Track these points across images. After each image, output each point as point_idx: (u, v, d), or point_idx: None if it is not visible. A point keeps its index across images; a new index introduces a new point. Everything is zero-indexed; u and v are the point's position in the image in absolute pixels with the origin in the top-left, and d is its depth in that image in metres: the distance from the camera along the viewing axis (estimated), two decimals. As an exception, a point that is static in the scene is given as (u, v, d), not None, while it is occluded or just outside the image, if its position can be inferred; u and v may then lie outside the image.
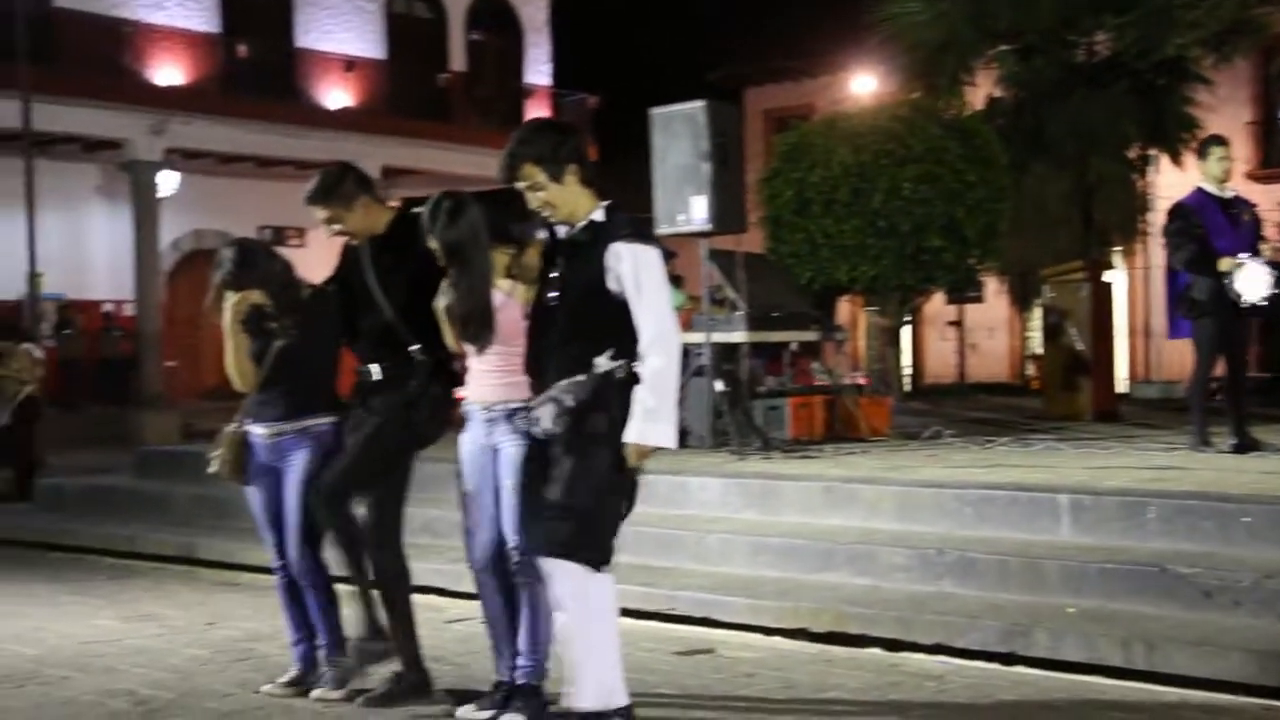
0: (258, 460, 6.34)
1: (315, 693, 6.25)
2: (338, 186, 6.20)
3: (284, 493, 6.27)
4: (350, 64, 29.17)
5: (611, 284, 5.24)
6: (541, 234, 5.65)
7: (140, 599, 9.24)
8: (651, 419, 5.16)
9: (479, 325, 5.63)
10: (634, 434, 5.17)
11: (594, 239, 5.32)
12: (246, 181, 28.63)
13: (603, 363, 5.22)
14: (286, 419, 6.23)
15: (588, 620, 5.26)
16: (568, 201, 5.36)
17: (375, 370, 6.14)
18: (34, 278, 23.50)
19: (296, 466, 6.24)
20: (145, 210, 25.38)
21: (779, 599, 7.59)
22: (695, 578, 8.20)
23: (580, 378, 5.21)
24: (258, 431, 6.29)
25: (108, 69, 25.35)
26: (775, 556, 8.26)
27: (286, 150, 27.38)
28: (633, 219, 5.47)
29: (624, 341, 5.23)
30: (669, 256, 14.92)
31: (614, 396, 5.21)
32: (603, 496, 5.27)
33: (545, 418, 5.25)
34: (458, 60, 32.11)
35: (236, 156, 27.62)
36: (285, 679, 6.40)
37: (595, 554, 5.24)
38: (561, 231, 5.46)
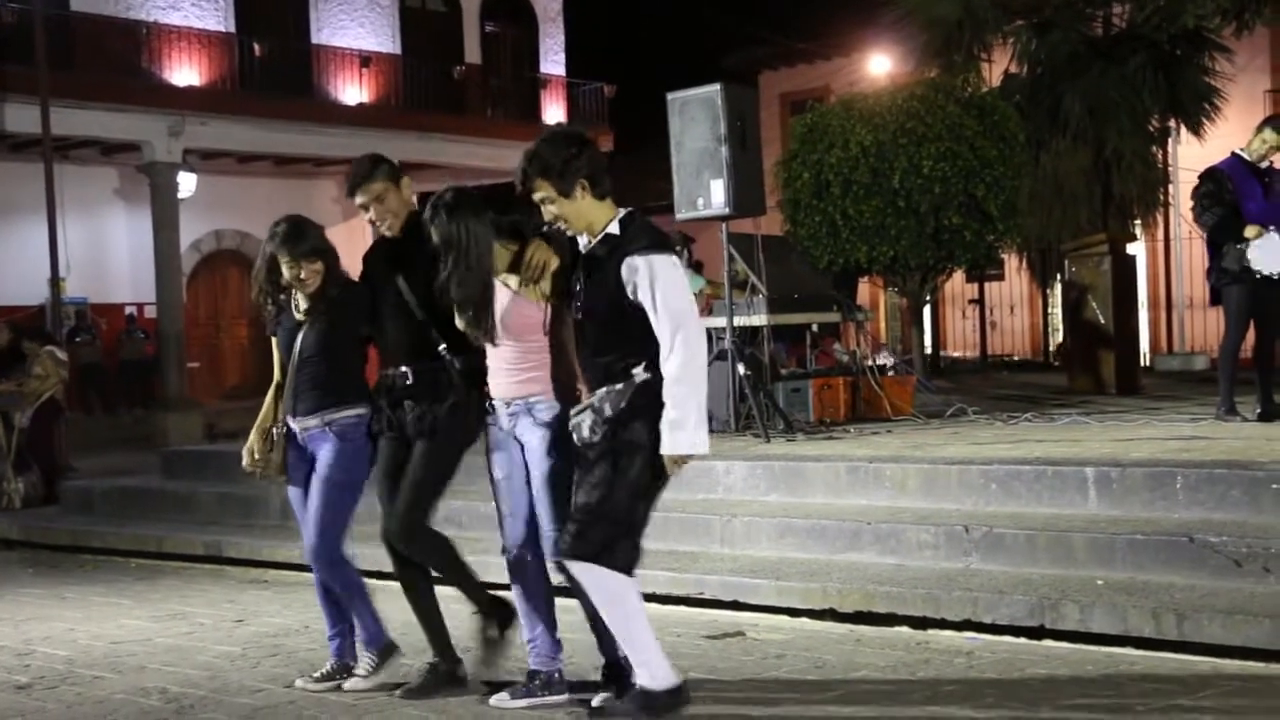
0: (295, 468, 6.34)
1: (348, 684, 6.27)
2: (381, 165, 6.20)
3: (310, 486, 6.28)
4: (366, 59, 29.19)
5: (631, 296, 5.26)
6: (538, 229, 5.67)
7: (169, 598, 9.27)
8: (677, 428, 5.21)
9: (478, 315, 5.63)
10: (665, 446, 5.23)
11: (610, 251, 5.34)
12: (265, 180, 28.73)
13: (639, 373, 5.27)
14: (314, 412, 6.24)
15: (625, 619, 5.36)
16: (581, 215, 5.40)
17: (407, 373, 6.11)
18: (56, 282, 23.57)
19: (321, 461, 6.25)
20: (165, 212, 25.40)
21: (806, 580, 7.58)
22: (723, 561, 8.20)
23: (618, 386, 5.26)
24: (293, 425, 6.31)
25: (125, 71, 25.38)
26: (802, 538, 8.26)
27: (303, 148, 27.45)
28: (647, 228, 5.46)
29: (655, 351, 5.26)
30: (687, 242, 14.92)
31: (651, 405, 5.24)
32: (636, 502, 5.32)
33: (584, 426, 5.31)
34: (472, 53, 32.08)
35: (254, 155, 27.70)
36: (319, 673, 6.41)
37: (625, 557, 5.31)
38: (583, 243, 5.47)
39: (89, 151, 26.02)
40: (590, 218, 5.40)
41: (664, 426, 5.21)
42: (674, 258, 5.34)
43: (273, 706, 6.09)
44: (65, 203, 24.15)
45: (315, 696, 6.21)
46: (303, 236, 6.23)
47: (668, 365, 5.21)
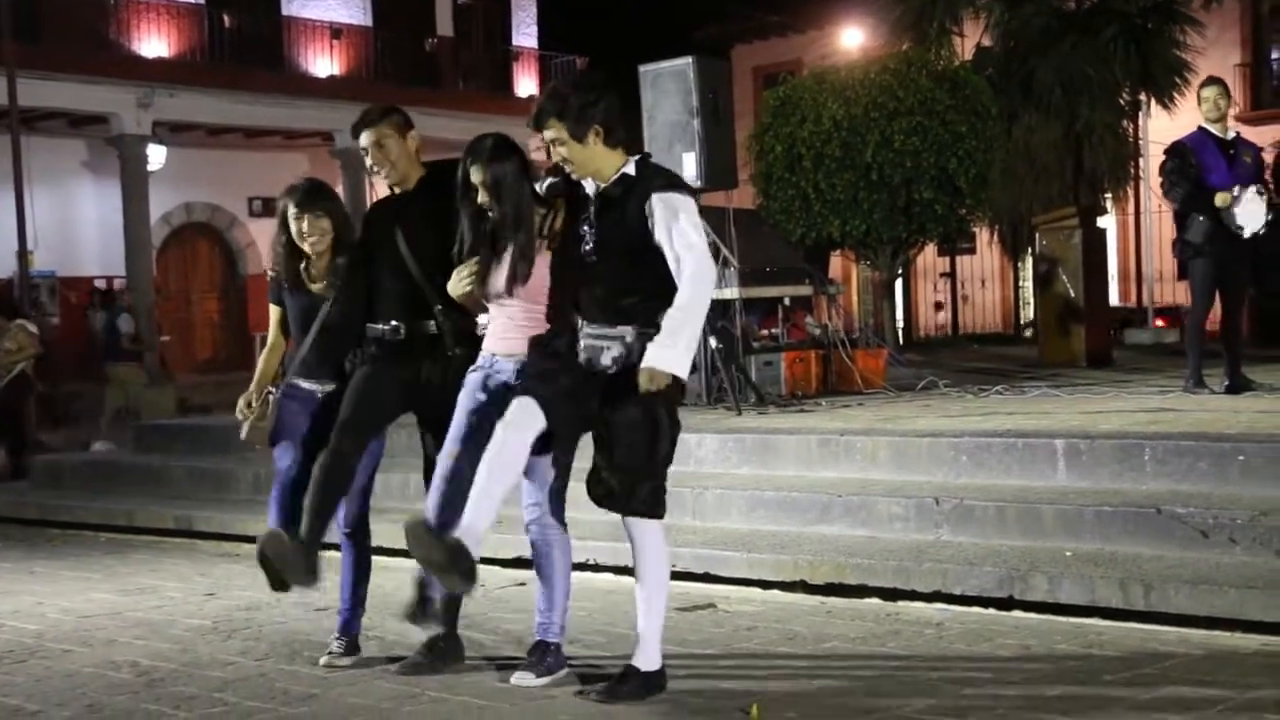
0: (294, 417, 6.29)
1: (323, 659, 6.25)
2: (392, 112, 6.17)
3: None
4: (337, 31, 29.02)
5: (654, 234, 5.25)
6: (548, 181, 5.62)
7: (139, 572, 9.24)
8: (665, 347, 5.18)
9: (523, 262, 5.54)
10: (648, 358, 5.19)
11: (626, 191, 5.33)
12: (235, 153, 28.55)
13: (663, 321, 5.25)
14: (338, 378, 6.22)
15: (664, 582, 5.50)
16: (590, 160, 5.36)
17: (399, 328, 6.04)
18: (24, 255, 23.41)
19: None
20: (134, 185, 25.27)
21: (777, 552, 7.60)
22: (694, 534, 8.21)
23: (650, 330, 5.22)
24: (310, 388, 6.29)
25: (93, 42, 25.22)
26: (773, 510, 8.28)
27: (274, 120, 27.30)
28: (664, 169, 5.50)
29: (674, 293, 5.25)
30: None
31: None
32: (671, 448, 5.39)
33: (605, 355, 5.27)
34: (444, 25, 31.94)
35: (224, 128, 27.52)
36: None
37: (663, 504, 5.40)
38: (589, 187, 5.45)
39: (57, 123, 25.82)
40: (599, 164, 5.37)
41: (652, 344, 5.18)
42: (691, 199, 5.34)
43: (243, 679, 6.08)
44: (33, 175, 23.98)
45: (287, 670, 6.20)
46: (318, 194, 6.30)
47: (680, 290, 5.19)
